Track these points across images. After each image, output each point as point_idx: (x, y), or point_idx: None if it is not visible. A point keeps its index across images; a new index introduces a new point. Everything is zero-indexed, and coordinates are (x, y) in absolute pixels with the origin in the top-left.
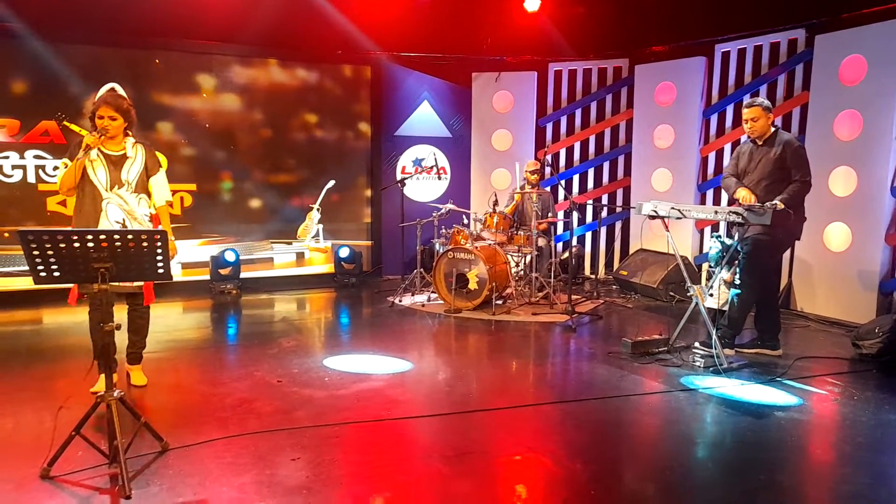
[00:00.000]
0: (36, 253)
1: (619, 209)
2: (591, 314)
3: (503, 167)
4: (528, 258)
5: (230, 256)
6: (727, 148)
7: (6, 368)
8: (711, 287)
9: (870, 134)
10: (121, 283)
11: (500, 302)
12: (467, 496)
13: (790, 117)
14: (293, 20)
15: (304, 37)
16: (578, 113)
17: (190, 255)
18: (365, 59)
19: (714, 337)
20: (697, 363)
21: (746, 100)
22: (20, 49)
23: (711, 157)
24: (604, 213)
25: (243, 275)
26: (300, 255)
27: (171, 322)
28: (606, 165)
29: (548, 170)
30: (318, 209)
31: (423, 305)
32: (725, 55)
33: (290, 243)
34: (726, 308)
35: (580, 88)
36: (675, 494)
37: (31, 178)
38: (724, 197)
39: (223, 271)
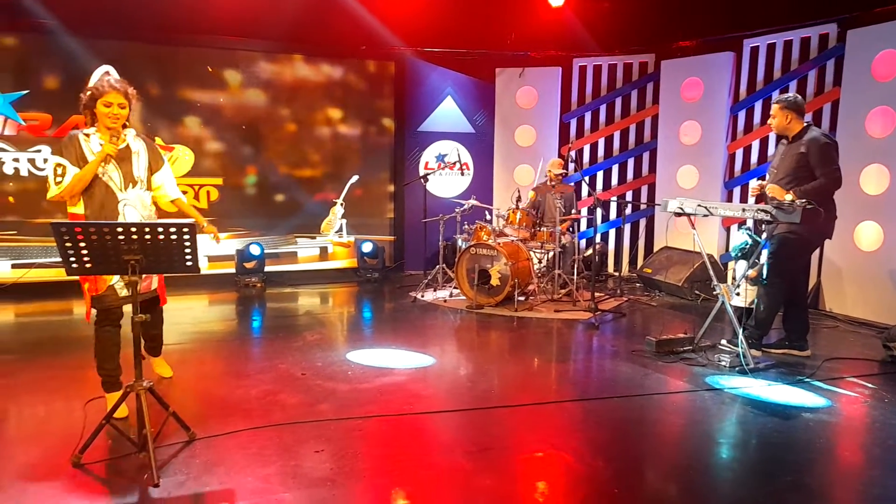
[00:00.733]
0: (69, 245)
1: (643, 206)
2: (614, 312)
3: (526, 163)
4: (551, 255)
5: (255, 250)
6: (755, 145)
7: (38, 358)
8: (738, 286)
9: None
10: (141, 290)
11: (522, 298)
12: (489, 491)
13: (821, 114)
14: (318, 15)
15: (329, 32)
16: (603, 109)
17: (216, 248)
18: (389, 55)
19: (740, 336)
20: (723, 363)
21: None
22: (52, 45)
23: (739, 153)
24: (628, 210)
25: (268, 268)
26: (323, 250)
27: (198, 314)
28: (631, 162)
29: (571, 166)
30: (341, 204)
31: (445, 301)
32: (754, 50)
33: (313, 238)
34: (753, 307)
35: (605, 84)
36: (699, 495)
37: None
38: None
39: (248, 265)
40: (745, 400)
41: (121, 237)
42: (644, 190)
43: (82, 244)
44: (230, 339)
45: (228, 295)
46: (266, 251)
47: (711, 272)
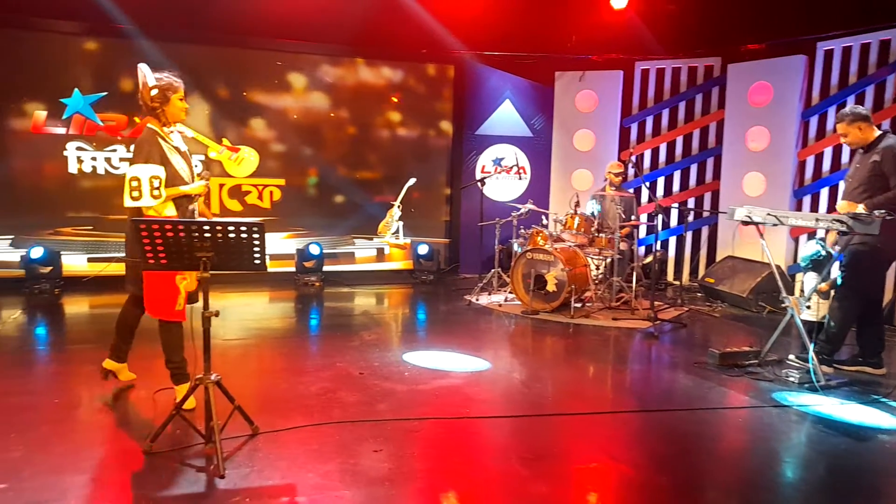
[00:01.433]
0: (147, 241)
1: (706, 213)
2: (674, 322)
3: (585, 168)
4: (609, 261)
5: (314, 250)
6: (827, 152)
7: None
8: (808, 299)
9: None
10: None
11: (578, 305)
12: (545, 499)
13: None
14: (381, 20)
15: (391, 36)
16: (666, 113)
17: (277, 247)
18: (449, 58)
19: (811, 351)
20: (791, 378)
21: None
22: (129, 49)
23: (810, 161)
24: (690, 218)
25: (326, 268)
26: (380, 251)
27: (258, 311)
28: (694, 168)
29: (631, 171)
30: (398, 206)
31: (499, 305)
32: (828, 53)
33: (370, 239)
34: (824, 322)
35: (668, 88)
36: None
37: None
38: (823, 203)
39: (307, 264)
40: (815, 418)
41: (195, 235)
42: (707, 197)
43: (159, 241)
44: (289, 336)
45: (288, 293)
46: (325, 251)
47: (780, 283)
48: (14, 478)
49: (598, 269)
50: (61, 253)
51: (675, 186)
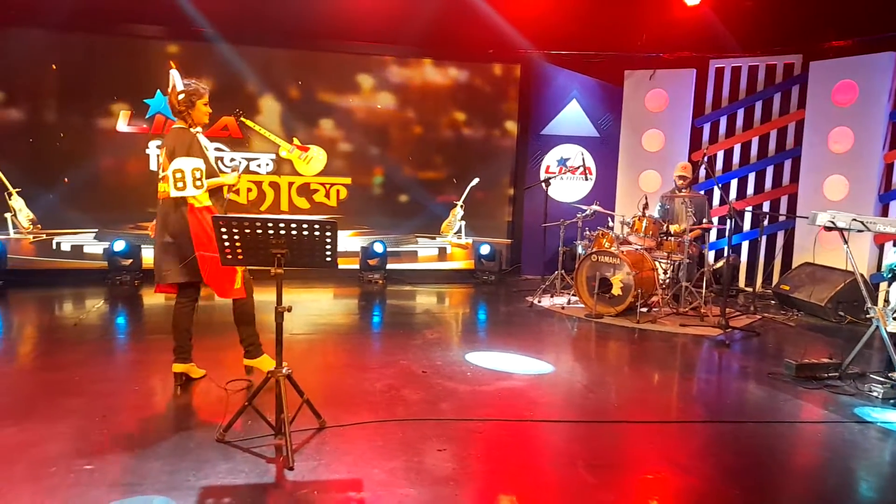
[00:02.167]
0: (225, 237)
1: (782, 218)
2: (746, 330)
3: (653, 169)
4: (678, 265)
5: (378, 248)
6: None
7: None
8: (895, 310)
9: None
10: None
11: (644, 310)
12: None
13: None
14: (449, 20)
15: (458, 36)
16: (741, 113)
17: (343, 244)
18: (515, 58)
19: None
20: (875, 393)
21: None
22: (207, 51)
23: None
24: (765, 222)
25: (389, 266)
26: (442, 250)
27: (324, 307)
28: (770, 170)
29: (703, 172)
30: (461, 206)
31: (562, 308)
32: None
33: (433, 238)
34: None
35: (744, 87)
36: None
37: None
38: None
39: (371, 262)
40: None
41: (270, 231)
42: (784, 200)
43: (237, 237)
44: (354, 333)
45: (352, 290)
46: (388, 249)
47: (865, 293)
48: (99, 460)
49: (665, 273)
50: (141, 246)
51: (750, 189)
